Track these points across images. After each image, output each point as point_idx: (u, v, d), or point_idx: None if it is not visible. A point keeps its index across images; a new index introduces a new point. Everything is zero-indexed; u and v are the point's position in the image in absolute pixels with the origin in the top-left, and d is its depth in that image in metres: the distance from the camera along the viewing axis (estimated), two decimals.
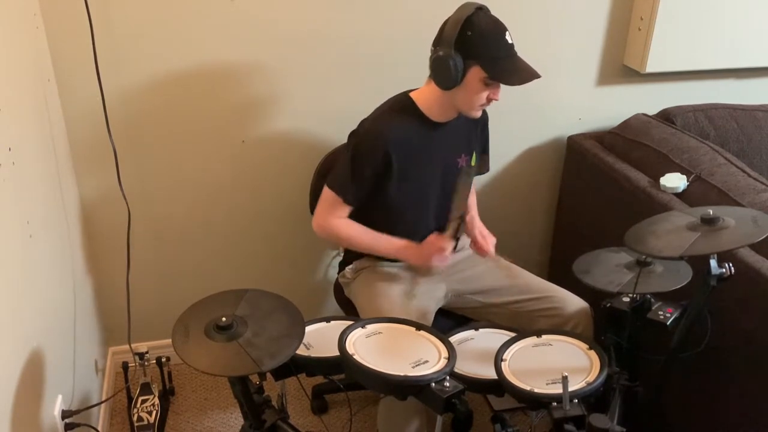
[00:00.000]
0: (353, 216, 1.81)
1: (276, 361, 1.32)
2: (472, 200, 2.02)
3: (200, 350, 1.33)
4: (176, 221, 2.16)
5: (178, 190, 2.11)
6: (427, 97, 1.74)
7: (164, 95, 1.97)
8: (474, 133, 1.87)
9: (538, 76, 1.62)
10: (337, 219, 1.80)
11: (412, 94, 1.77)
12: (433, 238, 1.78)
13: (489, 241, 1.88)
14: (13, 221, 1.40)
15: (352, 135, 1.79)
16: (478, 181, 2.29)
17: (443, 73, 1.62)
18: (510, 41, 1.63)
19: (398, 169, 1.74)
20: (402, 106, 1.76)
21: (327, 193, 1.79)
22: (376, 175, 1.74)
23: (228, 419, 2.16)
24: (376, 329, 1.51)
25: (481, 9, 1.62)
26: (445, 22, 1.63)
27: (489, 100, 1.69)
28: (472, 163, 1.88)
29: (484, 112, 1.81)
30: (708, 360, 1.58)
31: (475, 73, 1.62)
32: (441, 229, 1.80)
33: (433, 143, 1.77)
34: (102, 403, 2.04)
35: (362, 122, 1.79)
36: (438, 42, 1.63)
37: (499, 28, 1.62)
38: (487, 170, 2.02)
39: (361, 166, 1.73)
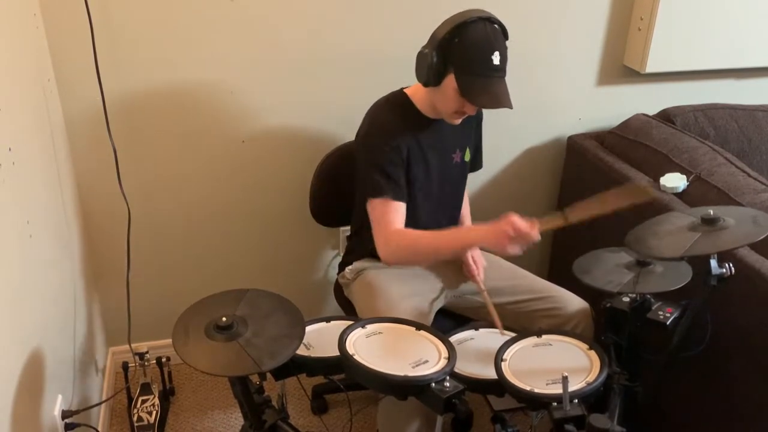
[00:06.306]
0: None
1: (276, 361, 1.32)
2: (465, 211, 1.98)
3: (200, 350, 1.33)
4: (176, 221, 2.16)
5: (178, 190, 2.11)
6: (421, 94, 1.74)
7: (164, 95, 1.97)
8: (469, 130, 1.86)
9: (508, 107, 1.58)
10: (399, 226, 1.68)
11: (406, 90, 1.77)
12: (514, 218, 1.51)
13: (479, 267, 1.80)
14: (13, 221, 1.40)
15: (358, 138, 1.78)
16: (477, 180, 2.30)
17: (420, 69, 1.64)
18: (496, 62, 1.56)
19: None
20: (397, 102, 1.76)
21: (374, 204, 1.69)
22: (402, 157, 1.68)
23: (228, 419, 2.16)
24: (376, 329, 1.51)
25: (483, 20, 1.57)
26: (445, 21, 1.62)
27: (462, 113, 1.66)
28: (466, 159, 1.87)
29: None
30: (708, 360, 1.59)
31: (450, 81, 1.60)
32: (440, 228, 1.78)
33: (429, 139, 1.76)
34: (102, 403, 2.04)
35: (362, 121, 1.78)
36: (430, 38, 1.63)
37: (489, 46, 1.56)
38: (481, 167, 2.00)
39: (386, 153, 1.67)
